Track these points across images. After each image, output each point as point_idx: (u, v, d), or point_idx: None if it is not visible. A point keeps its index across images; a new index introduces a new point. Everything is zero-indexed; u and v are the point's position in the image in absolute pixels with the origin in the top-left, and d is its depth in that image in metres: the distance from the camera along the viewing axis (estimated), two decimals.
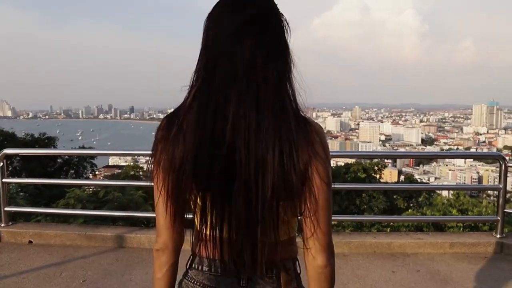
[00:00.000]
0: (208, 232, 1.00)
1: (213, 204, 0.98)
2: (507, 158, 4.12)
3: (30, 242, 4.35)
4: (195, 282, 1.08)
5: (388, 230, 7.17)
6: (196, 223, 1.07)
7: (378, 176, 17.14)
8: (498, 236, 4.16)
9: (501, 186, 4.12)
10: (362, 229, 8.04)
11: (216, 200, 0.97)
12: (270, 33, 0.99)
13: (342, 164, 17.46)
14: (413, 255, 4.01)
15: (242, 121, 0.92)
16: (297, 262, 1.11)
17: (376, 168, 16.90)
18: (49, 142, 21.72)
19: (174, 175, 0.98)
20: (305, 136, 0.97)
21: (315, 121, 1.04)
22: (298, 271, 1.12)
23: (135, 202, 6.84)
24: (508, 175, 4.13)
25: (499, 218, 4.17)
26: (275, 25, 1.01)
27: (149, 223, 6.06)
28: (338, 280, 3.74)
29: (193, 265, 1.10)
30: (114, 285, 3.38)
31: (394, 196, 14.64)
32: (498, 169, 4.21)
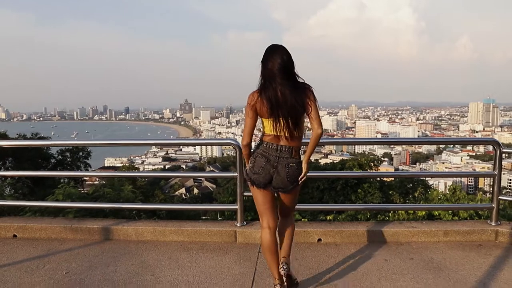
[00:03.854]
0: (270, 131, 2.66)
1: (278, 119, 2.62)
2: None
3: (15, 236, 4.24)
4: (259, 151, 2.69)
5: None
6: (264, 129, 2.70)
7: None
8: (493, 223, 4.07)
9: (495, 172, 4.03)
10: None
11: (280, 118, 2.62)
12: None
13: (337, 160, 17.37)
14: (406, 243, 3.92)
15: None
16: (301, 148, 2.78)
17: (372, 164, 16.81)
18: None
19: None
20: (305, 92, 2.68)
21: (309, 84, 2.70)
22: (301, 153, 2.74)
23: (125, 198, 6.74)
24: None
25: (493, 205, 4.08)
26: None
27: (140, 216, 5.95)
28: (329, 269, 3.60)
29: (260, 145, 2.71)
30: (98, 276, 3.28)
31: (390, 192, 14.54)
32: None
